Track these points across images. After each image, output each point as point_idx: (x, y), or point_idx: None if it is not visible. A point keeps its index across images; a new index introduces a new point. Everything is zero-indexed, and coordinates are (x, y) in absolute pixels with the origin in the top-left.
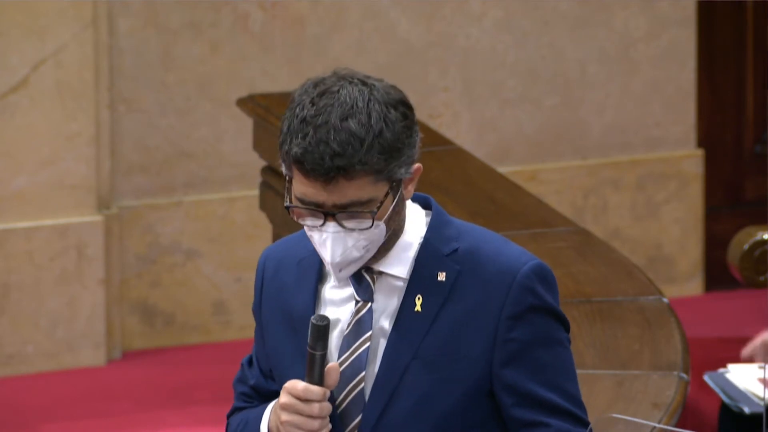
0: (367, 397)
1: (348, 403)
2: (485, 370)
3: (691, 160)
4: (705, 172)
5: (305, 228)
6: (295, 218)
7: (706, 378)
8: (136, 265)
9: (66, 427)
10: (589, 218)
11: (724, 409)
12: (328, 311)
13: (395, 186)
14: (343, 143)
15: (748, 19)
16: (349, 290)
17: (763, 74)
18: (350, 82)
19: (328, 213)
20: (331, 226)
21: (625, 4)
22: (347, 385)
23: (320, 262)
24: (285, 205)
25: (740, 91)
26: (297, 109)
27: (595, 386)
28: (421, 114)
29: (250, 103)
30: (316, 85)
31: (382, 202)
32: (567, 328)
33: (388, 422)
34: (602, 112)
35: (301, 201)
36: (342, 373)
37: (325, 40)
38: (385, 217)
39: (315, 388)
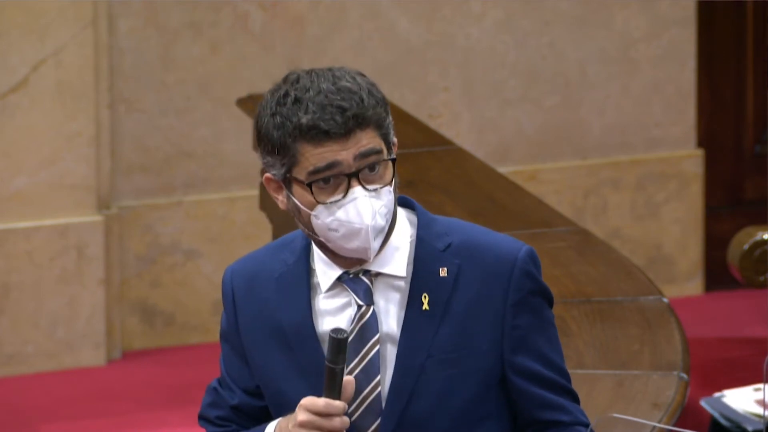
0: (383, 402)
1: (363, 411)
2: (497, 358)
3: (691, 160)
4: (705, 172)
5: (322, 211)
6: (313, 197)
7: (703, 403)
8: (136, 265)
9: (66, 427)
10: (589, 218)
11: (714, 426)
12: (325, 322)
13: (391, 154)
14: (346, 99)
15: (748, 19)
16: (343, 299)
17: (763, 74)
18: (313, 70)
19: (351, 175)
20: (357, 189)
21: (625, 4)
22: (361, 393)
23: (307, 273)
24: (307, 181)
25: (740, 91)
26: (281, 98)
27: (595, 386)
28: (421, 114)
29: (250, 103)
30: (284, 80)
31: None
32: (552, 304)
33: (406, 423)
34: (602, 112)
35: (318, 172)
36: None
37: (325, 40)
38: (393, 184)
39: (337, 403)
